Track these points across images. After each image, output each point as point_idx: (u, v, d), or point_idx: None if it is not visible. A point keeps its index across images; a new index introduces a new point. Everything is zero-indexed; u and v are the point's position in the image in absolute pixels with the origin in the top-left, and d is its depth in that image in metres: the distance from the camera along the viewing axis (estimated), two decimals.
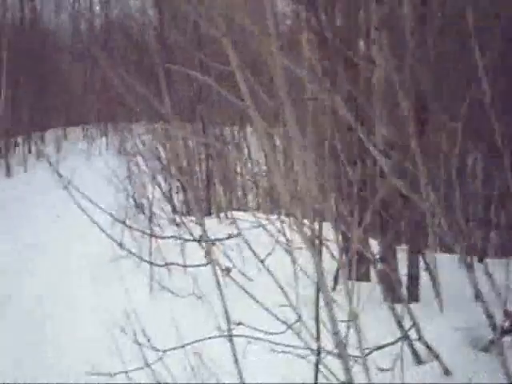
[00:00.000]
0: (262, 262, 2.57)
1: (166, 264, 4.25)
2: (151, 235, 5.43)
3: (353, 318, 2.20)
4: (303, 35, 4.31)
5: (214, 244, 5.08)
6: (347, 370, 2.12)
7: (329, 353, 2.26)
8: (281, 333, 2.50)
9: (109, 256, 7.39)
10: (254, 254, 2.63)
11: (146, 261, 3.73)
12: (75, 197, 2.78)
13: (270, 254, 3.79)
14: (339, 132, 3.59)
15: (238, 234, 4.36)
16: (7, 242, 9.71)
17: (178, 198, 9.29)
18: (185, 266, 4.23)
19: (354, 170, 2.96)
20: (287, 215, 7.17)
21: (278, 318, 2.44)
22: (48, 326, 5.71)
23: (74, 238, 9.51)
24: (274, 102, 2.48)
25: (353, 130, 3.38)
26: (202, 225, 3.63)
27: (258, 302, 2.55)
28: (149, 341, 2.87)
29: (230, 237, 5.64)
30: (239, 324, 2.75)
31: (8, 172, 21.82)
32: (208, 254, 3.28)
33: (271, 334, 2.59)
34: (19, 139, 24.06)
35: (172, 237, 6.35)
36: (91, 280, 6.97)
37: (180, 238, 5.84)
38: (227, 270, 5.07)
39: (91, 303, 6.09)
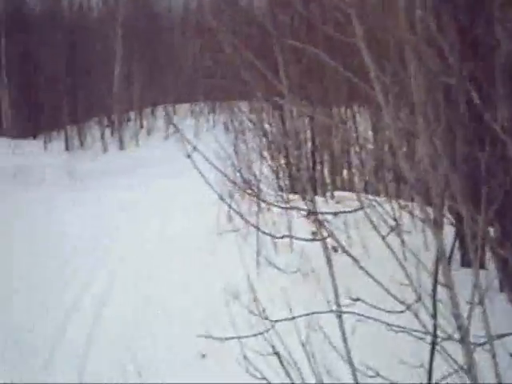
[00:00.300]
0: (383, 238, 2.52)
1: (284, 236, 4.26)
2: (267, 201, 5.41)
3: (478, 301, 2.13)
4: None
5: (323, 221, 5.05)
6: (469, 355, 2.05)
7: (449, 337, 2.20)
8: (400, 312, 2.46)
9: (216, 229, 7.58)
10: (375, 228, 2.57)
11: (264, 232, 3.74)
12: (197, 166, 2.82)
13: (392, 229, 3.67)
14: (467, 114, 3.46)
15: (347, 212, 4.32)
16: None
17: (284, 176, 9.32)
18: (298, 239, 4.22)
19: (481, 154, 2.85)
20: (397, 197, 7.07)
21: (395, 298, 2.40)
22: (157, 291, 5.93)
23: (183, 210, 9.77)
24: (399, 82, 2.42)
25: (478, 112, 3.25)
26: (312, 200, 3.62)
27: (375, 280, 2.52)
28: (264, 310, 2.91)
29: (337, 213, 5.60)
30: (357, 300, 2.73)
31: (121, 145, 22.74)
32: (319, 229, 3.25)
33: (389, 312, 2.54)
34: (132, 114, 25.00)
35: (287, 208, 6.31)
36: (198, 251, 7.15)
37: (291, 208, 5.79)
38: (335, 249, 5.04)
39: (199, 273, 6.25)
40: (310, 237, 5.81)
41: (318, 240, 2.86)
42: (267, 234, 3.77)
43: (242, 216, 4.13)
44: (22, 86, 22.78)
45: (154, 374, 2.79)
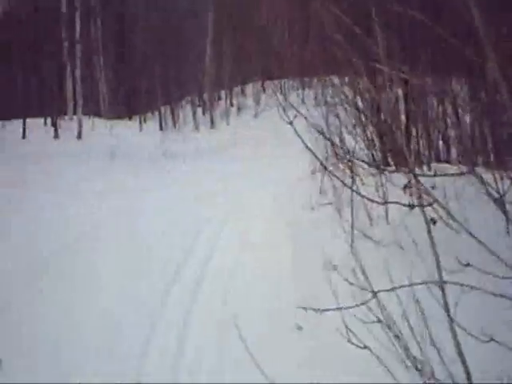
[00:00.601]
0: (495, 200, 2.39)
1: (386, 202, 4.16)
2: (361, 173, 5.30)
3: None
4: None
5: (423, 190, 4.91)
6: None
7: None
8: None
9: (309, 203, 7.56)
10: (488, 193, 2.45)
11: (367, 198, 3.64)
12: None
13: (495, 200, 3.50)
14: None
15: (448, 175, 4.17)
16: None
17: (378, 148, 9.14)
18: (402, 205, 4.11)
19: None
20: (497, 167, 6.77)
21: (506, 264, 2.29)
22: (254, 263, 6.00)
23: (275, 185, 9.81)
24: None
25: None
26: (411, 171, 3.51)
27: (485, 246, 2.41)
28: (367, 277, 2.87)
29: (437, 175, 5.41)
30: (467, 265, 2.63)
31: (212, 124, 23.06)
32: (419, 199, 3.14)
33: (504, 278, 2.43)
34: (222, 93, 25.27)
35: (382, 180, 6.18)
36: (291, 225, 7.16)
37: (388, 178, 5.64)
38: (433, 220, 4.91)
39: (293, 246, 6.26)
40: (408, 209, 5.69)
41: (421, 206, 2.76)
42: (370, 199, 3.70)
43: (350, 184, 4.03)
44: (117, 69, 23.49)
45: (253, 342, 2.79)
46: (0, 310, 5.03)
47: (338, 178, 4.56)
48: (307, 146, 2.72)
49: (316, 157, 3.07)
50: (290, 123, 2.49)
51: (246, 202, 9.19)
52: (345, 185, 4.12)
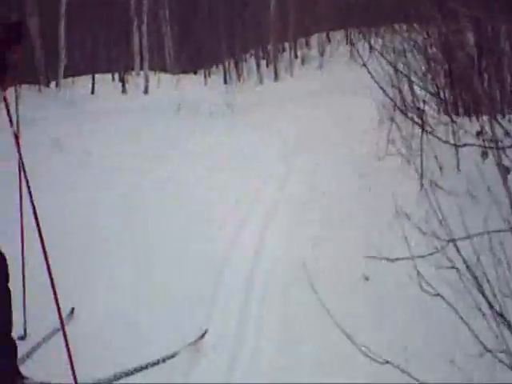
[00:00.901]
0: None
1: (466, 145, 4.01)
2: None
3: None
4: None
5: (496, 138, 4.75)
6: None
7: None
8: None
9: (376, 154, 7.45)
10: None
11: (442, 140, 3.54)
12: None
13: None
14: None
15: None
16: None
17: (448, 96, 8.86)
18: (479, 146, 3.97)
19: None
20: None
21: None
22: (321, 212, 6.02)
23: (342, 137, 9.71)
24: None
25: None
26: (487, 116, 3.38)
27: None
28: (442, 225, 2.82)
29: (508, 134, 5.23)
30: None
31: (276, 76, 22.86)
32: (493, 144, 3.05)
33: None
34: (286, 45, 24.94)
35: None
36: (359, 176, 7.09)
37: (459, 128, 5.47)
38: (508, 169, 4.74)
39: (363, 197, 6.22)
40: (480, 159, 5.52)
41: (496, 148, 2.67)
42: (445, 141, 3.60)
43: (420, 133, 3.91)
44: (182, 24, 23.49)
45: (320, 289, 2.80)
46: (80, 260, 5.20)
47: (415, 122, 4.42)
48: (384, 90, 2.66)
49: (391, 99, 2.98)
50: (364, 65, 2.43)
51: (313, 152, 9.15)
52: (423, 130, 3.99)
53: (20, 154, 3.03)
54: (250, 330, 3.96)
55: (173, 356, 3.57)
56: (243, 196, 6.97)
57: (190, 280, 4.71)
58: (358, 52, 2.28)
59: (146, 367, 3.48)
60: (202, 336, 3.78)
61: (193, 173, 8.31)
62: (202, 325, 3.93)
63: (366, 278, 4.42)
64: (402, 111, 8.03)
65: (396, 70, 9.37)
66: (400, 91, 8.58)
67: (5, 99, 3.25)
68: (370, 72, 2.31)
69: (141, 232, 5.98)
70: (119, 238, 5.77)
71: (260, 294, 4.50)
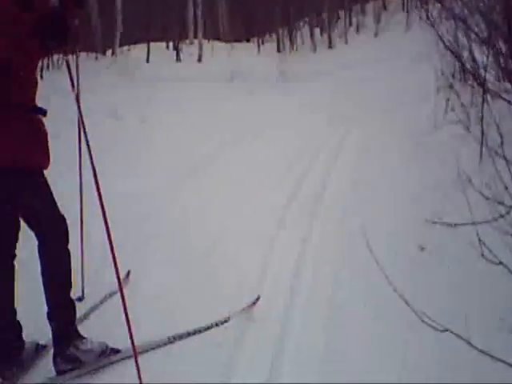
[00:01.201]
0: None
1: None
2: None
3: None
4: None
5: None
6: None
7: None
8: None
9: (435, 121, 7.28)
10: None
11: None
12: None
13: None
14: None
15: None
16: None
17: (510, 64, 8.55)
18: None
19: None
20: None
21: None
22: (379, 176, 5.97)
23: (399, 104, 9.55)
24: None
25: None
26: None
27: None
28: (506, 190, 2.73)
29: None
30: None
31: (330, 45, 22.52)
32: None
33: None
34: (340, 13, 24.49)
35: None
36: (416, 144, 6.95)
37: None
38: None
39: (421, 161, 6.11)
40: None
41: None
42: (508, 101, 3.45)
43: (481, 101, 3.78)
44: None
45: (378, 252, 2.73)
46: (138, 223, 5.27)
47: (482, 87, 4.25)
48: (452, 52, 2.55)
49: (460, 61, 2.87)
50: (432, 26, 2.33)
51: (368, 120, 9.03)
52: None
53: (81, 115, 3.06)
54: (303, 293, 3.95)
55: (226, 321, 3.59)
56: (304, 159, 7.03)
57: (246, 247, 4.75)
58: (427, 14, 2.16)
59: (200, 331, 3.52)
60: (255, 302, 3.78)
61: (246, 138, 8.32)
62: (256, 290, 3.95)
63: (422, 249, 4.35)
64: (462, 77, 7.81)
65: (456, 37, 9.09)
66: (460, 58, 8.32)
67: (67, 62, 3.28)
68: (440, 37, 2.21)
69: (196, 196, 6.03)
70: (176, 201, 5.83)
71: (314, 255, 4.50)
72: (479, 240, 2.49)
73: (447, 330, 2.18)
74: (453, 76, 8.37)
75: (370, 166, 6.61)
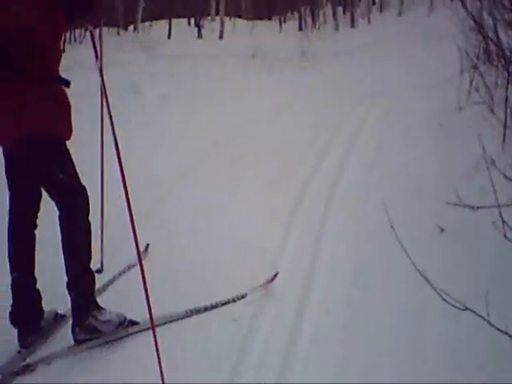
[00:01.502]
0: None
1: None
2: None
3: None
4: None
5: None
6: None
7: None
8: None
9: (458, 103, 7.19)
10: None
11: None
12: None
13: None
14: None
15: None
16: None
17: None
18: None
19: None
20: None
21: None
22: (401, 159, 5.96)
23: (421, 87, 9.45)
24: None
25: None
26: None
27: None
28: None
29: None
30: None
31: (352, 24, 22.30)
32: None
33: None
34: None
35: None
36: (438, 125, 6.88)
37: None
38: None
39: (442, 146, 6.06)
40: None
41: None
42: None
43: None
44: None
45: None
46: (158, 196, 5.28)
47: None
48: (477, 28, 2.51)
49: (491, 39, 2.82)
50: (463, 4, 2.29)
51: (390, 100, 8.95)
52: None
53: (104, 87, 3.05)
54: (323, 269, 3.95)
55: (243, 297, 3.60)
56: (321, 141, 7.01)
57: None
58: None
59: (217, 306, 3.54)
60: (273, 278, 3.79)
61: (267, 112, 8.31)
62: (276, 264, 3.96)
63: (442, 230, 4.31)
64: (487, 58, 7.69)
65: (481, 17, 8.94)
66: (486, 38, 8.19)
67: (91, 33, 3.27)
68: (472, 15, 2.18)
69: (220, 166, 6.08)
70: (199, 176, 5.85)
71: (334, 230, 4.51)
72: (503, 221, 2.46)
73: (467, 309, 2.17)
74: (477, 57, 8.25)
75: (391, 146, 6.57)
